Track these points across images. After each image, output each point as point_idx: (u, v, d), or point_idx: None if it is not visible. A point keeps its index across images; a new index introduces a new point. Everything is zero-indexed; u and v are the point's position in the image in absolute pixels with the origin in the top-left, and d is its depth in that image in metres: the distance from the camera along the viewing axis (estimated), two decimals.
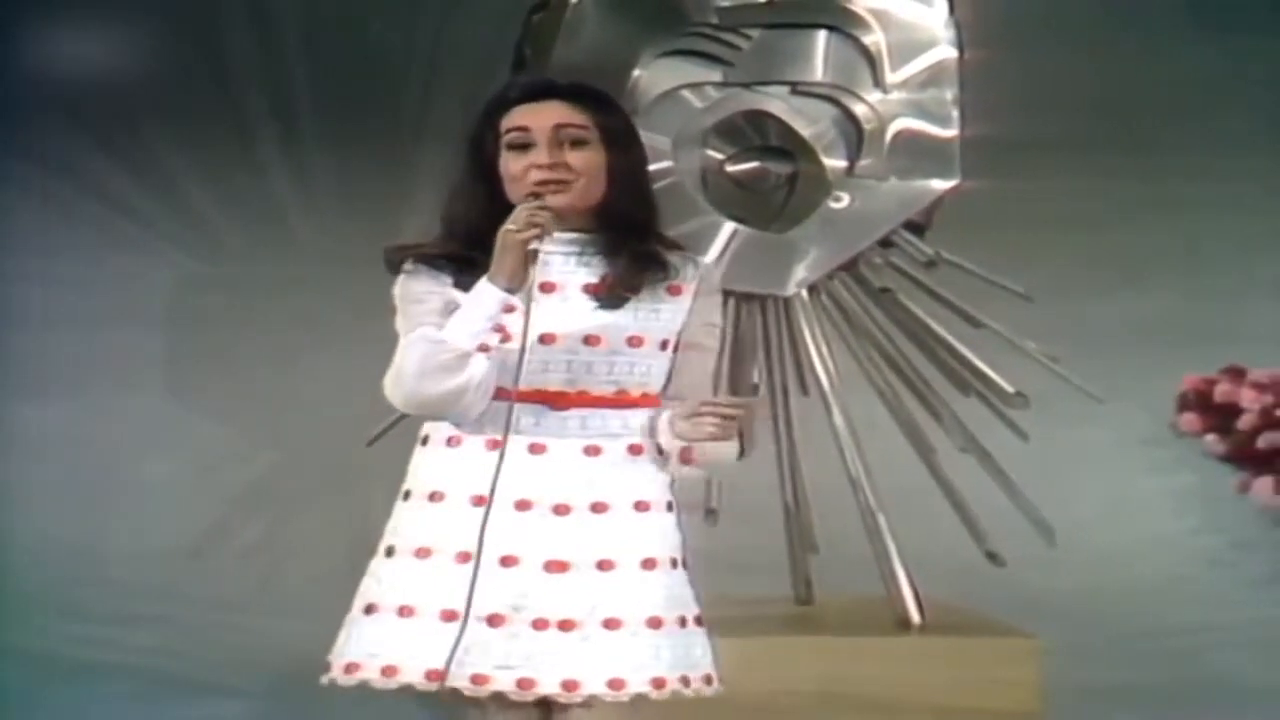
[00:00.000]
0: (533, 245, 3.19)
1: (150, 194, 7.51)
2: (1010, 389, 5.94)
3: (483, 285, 3.22)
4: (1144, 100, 7.35)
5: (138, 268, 7.48)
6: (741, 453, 3.33)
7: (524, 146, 3.30)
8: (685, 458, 3.33)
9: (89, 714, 6.28)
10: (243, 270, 7.48)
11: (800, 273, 5.91)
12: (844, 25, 5.92)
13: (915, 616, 5.86)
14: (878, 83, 5.91)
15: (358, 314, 6.41)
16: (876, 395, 6.03)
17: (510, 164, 3.30)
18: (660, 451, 3.35)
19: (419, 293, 3.31)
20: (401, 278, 3.34)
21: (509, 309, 3.21)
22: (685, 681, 3.29)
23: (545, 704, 3.27)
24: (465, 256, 3.29)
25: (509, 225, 3.19)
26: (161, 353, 7.54)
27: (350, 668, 3.30)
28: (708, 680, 3.33)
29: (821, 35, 5.92)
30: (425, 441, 3.39)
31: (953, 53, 5.93)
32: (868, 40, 5.91)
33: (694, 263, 3.43)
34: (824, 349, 5.94)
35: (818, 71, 5.93)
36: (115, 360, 7.40)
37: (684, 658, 3.31)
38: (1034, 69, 7.02)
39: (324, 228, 7.43)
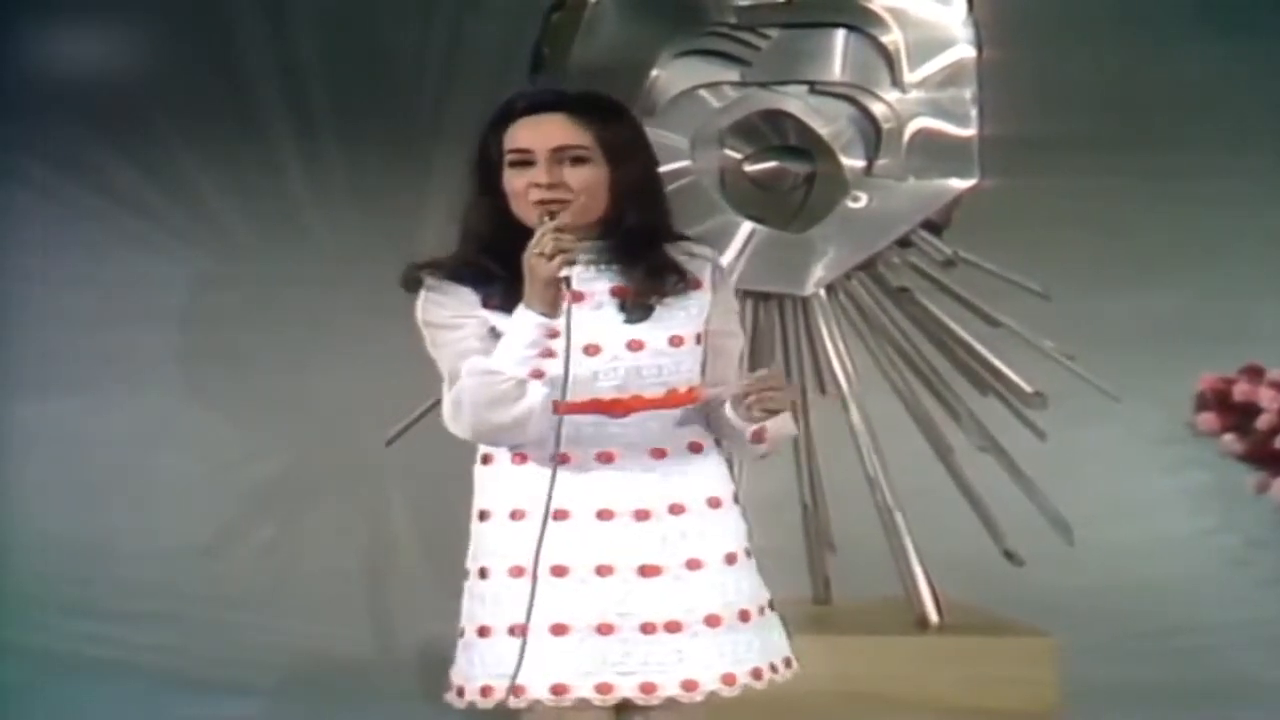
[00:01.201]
0: (564, 273, 3.20)
1: (162, 192, 7.49)
2: (1028, 388, 5.94)
3: (521, 314, 3.23)
4: (1161, 99, 7.33)
5: (149, 266, 7.47)
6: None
7: (525, 164, 3.31)
8: (757, 437, 3.37)
9: (98, 711, 6.29)
10: (255, 268, 7.46)
11: (818, 272, 5.91)
12: (862, 24, 5.92)
13: (933, 616, 5.86)
14: (896, 82, 5.92)
15: (371, 313, 6.43)
16: (894, 394, 6.03)
17: (513, 181, 3.32)
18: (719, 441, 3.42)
19: (449, 318, 3.33)
20: (423, 298, 3.36)
21: (552, 334, 3.23)
22: (774, 669, 3.40)
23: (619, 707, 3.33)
24: (483, 269, 3.31)
25: (534, 250, 3.20)
26: (173, 351, 7.52)
27: (485, 690, 3.33)
28: (788, 663, 3.44)
29: (840, 34, 5.93)
30: (487, 461, 3.41)
31: (971, 52, 5.93)
32: (886, 39, 5.92)
33: (704, 257, 3.45)
34: (842, 348, 5.94)
35: (836, 71, 5.94)
36: (126, 358, 7.39)
37: (772, 645, 3.41)
38: (1051, 68, 7.00)
39: (338, 226, 7.42)
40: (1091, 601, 6.73)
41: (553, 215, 3.25)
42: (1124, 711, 6.00)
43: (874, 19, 5.92)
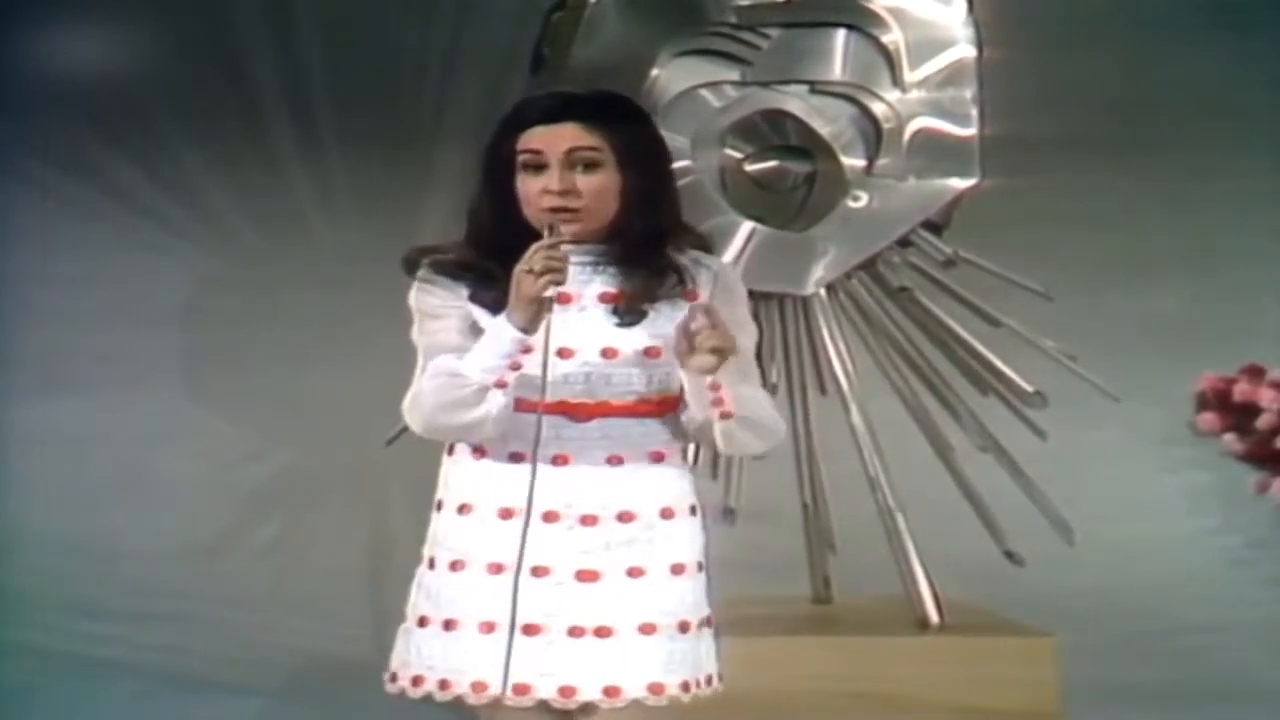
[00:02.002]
0: (548, 293, 3.18)
1: (163, 191, 7.50)
2: (1029, 388, 5.94)
3: (501, 325, 3.21)
4: (1162, 99, 7.34)
5: (150, 266, 7.47)
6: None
7: (538, 168, 3.29)
8: (724, 412, 3.30)
9: (102, 711, 6.29)
10: (257, 268, 7.47)
11: (819, 272, 5.91)
12: (863, 24, 5.92)
13: (934, 616, 5.86)
14: (896, 82, 5.92)
15: (374, 313, 6.41)
16: (895, 394, 6.03)
17: (526, 185, 3.29)
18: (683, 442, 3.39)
19: (436, 307, 3.32)
20: (416, 285, 3.34)
21: (527, 350, 3.21)
22: (699, 684, 3.34)
23: (564, 714, 3.31)
24: (483, 268, 3.30)
25: (523, 266, 3.17)
26: (176, 351, 7.53)
27: (417, 680, 3.34)
28: (709, 680, 3.38)
29: (840, 34, 5.93)
30: (451, 451, 3.41)
31: (971, 51, 5.93)
32: (886, 39, 5.91)
33: (707, 266, 3.41)
34: (842, 348, 5.94)
35: (836, 70, 5.93)
36: (130, 359, 7.39)
37: (703, 659, 3.36)
38: (1052, 68, 7.01)
39: (340, 226, 7.42)
40: (1092, 602, 6.74)
41: (552, 229, 3.22)
42: (1125, 712, 6.01)
43: (874, 19, 5.91)
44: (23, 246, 7.48)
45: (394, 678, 3.38)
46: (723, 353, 3.19)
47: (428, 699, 3.32)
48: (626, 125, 3.35)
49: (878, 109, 5.91)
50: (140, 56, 7.49)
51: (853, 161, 5.92)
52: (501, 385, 3.22)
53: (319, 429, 7.32)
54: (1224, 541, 7.31)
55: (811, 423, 5.99)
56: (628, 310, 3.31)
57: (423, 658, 3.33)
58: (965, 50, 5.93)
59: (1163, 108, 7.36)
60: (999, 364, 5.97)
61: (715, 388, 3.27)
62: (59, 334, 7.40)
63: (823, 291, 5.93)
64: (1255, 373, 6.18)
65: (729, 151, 5.94)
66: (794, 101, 5.94)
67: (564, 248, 3.21)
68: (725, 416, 3.30)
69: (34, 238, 7.47)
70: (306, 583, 7.14)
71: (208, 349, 7.46)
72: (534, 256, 3.17)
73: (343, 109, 7.44)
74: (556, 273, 3.17)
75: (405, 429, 5.02)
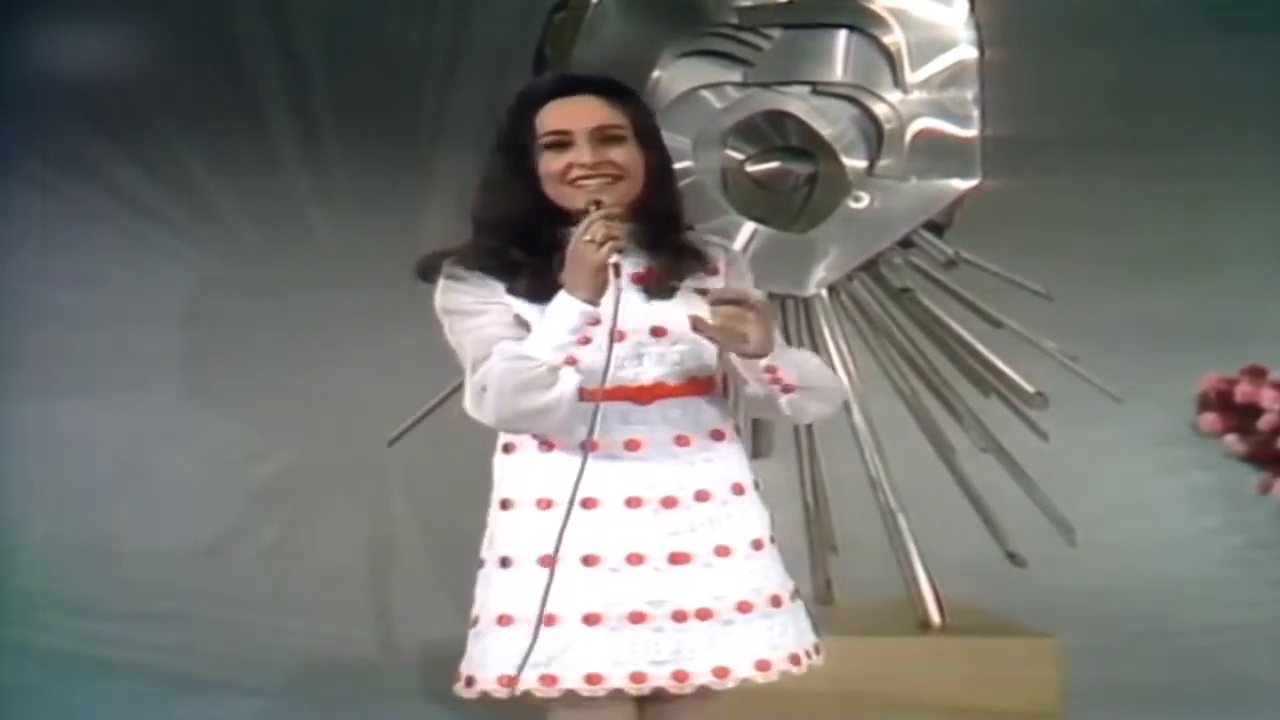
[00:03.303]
0: (614, 259, 3.16)
1: (163, 191, 7.50)
2: (1030, 388, 5.95)
3: (563, 299, 3.20)
4: (1163, 99, 7.34)
5: (151, 265, 7.47)
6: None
7: (563, 145, 3.29)
8: (786, 387, 3.33)
9: (103, 711, 6.28)
10: (257, 268, 7.47)
11: (820, 273, 5.92)
12: (864, 25, 5.92)
13: (935, 616, 5.86)
14: (898, 82, 5.92)
15: (375, 313, 6.45)
16: (896, 395, 6.03)
17: (550, 163, 3.30)
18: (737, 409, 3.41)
19: (472, 304, 3.30)
20: (443, 286, 3.32)
21: (594, 321, 3.20)
22: (808, 654, 3.38)
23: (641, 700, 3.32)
24: (507, 257, 3.29)
25: (583, 237, 3.17)
26: (177, 351, 7.53)
27: (502, 680, 3.27)
28: (817, 650, 3.41)
29: (841, 35, 5.93)
30: (509, 450, 3.38)
31: (973, 52, 5.94)
32: (888, 40, 5.92)
33: (721, 245, 3.47)
34: (844, 349, 5.94)
35: (838, 71, 5.94)
36: (130, 358, 7.39)
37: (803, 630, 3.39)
38: (1053, 68, 7.01)
39: (341, 226, 7.42)
40: (1094, 602, 6.74)
41: (599, 204, 3.22)
42: (1126, 712, 6.00)
43: (876, 20, 5.92)
44: (23, 246, 7.48)
45: (470, 682, 3.31)
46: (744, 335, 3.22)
47: (528, 698, 3.26)
48: (638, 104, 3.40)
49: (879, 110, 5.92)
50: (140, 56, 7.49)
51: (854, 162, 5.93)
52: (573, 363, 3.21)
53: (319, 429, 7.32)
54: (1226, 542, 7.31)
55: (813, 423, 5.99)
56: (659, 288, 3.32)
57: (505, 657, 3.25)
58: (967, 51, 5.94)
59: (1162, 108, 7.36)
60: (1000, 364, 5.98)
61: (770, 370, 3.31)
62: (59, 334, 7.40)
63: (824, 292, 5.94)
64: (1257, 373, 6.18)
65: (730, 152, 5.94)
66: (795, 102, 5.95)
67: (624, 245, 3.20)
68: (788, 390, 3.33)
69: (34, 238, 7.47)
70: (307, 583, 7.14)
71: (208, 349, 7.46)
72: (592, 227, 3.17)
73: (343, 109, 7.44)
74: (617, 239, 3.17)
75: (407, 429, 5.01)
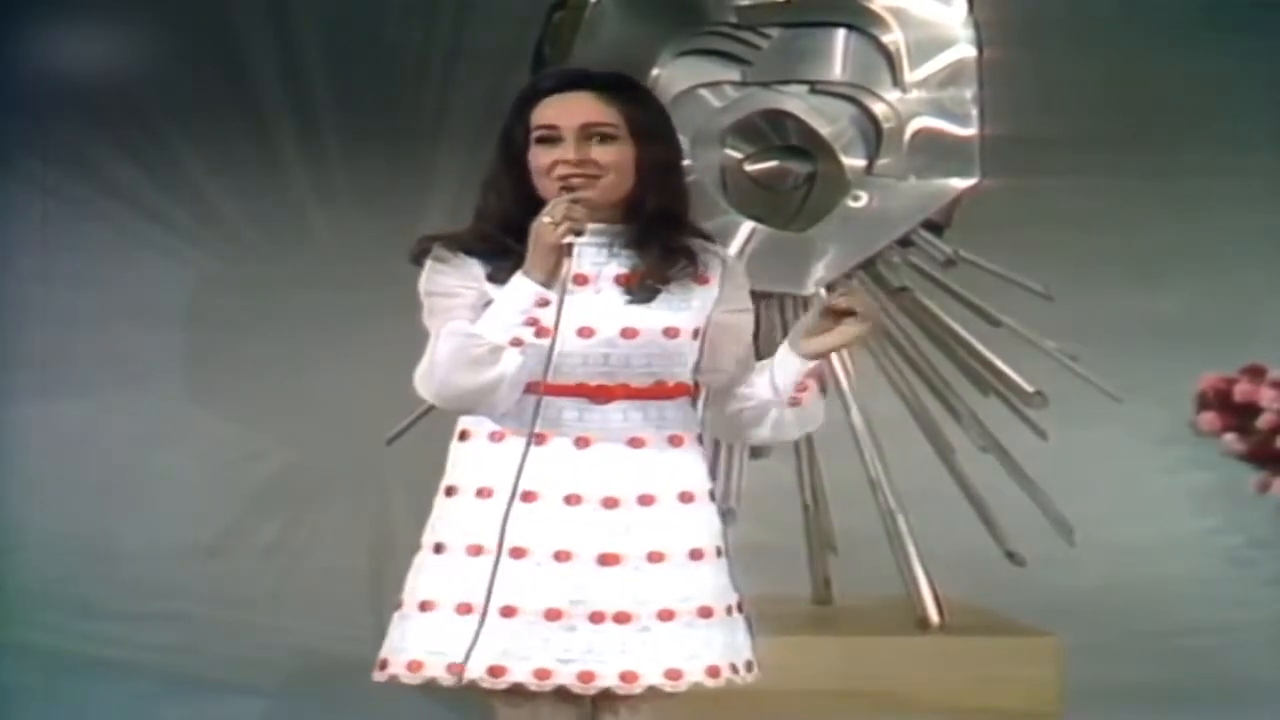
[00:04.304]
0: (567, 239, 3.16)
1: (164, 191, 7.49)
2: (1029, 388, 5.94)
3: (517, 279, 3.19)
4: (1162, 98, 7.34)
5: (151, 265, 7.47)
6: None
7: (552, 141, 3.28)
8: (794, 400, 3.32)
9: (103, 711, 6.28)
10: (257, 268, 7.46)
11: (819, 272, 5.91)
12: (863, 24, 5.92)
13: (934, 616, 5.86)
14: (897, 82, 5.92)
15: (375, 312, 6.45)
16: (896, 394, 6.03)
17: (538, 158, 3.28)
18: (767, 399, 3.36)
19: (450, 286, 3.29)
20: (428, 268, 3.32)
21: (543, 303, 3.18)
22: (734, 669, 3.31)
23: (591, 700, 3.28)
24: (499, 243, 3.28)
25: (544, 218, 3.17)
26: (176, 351, 7.53)
27: (413, 665, 3.29)
28: (749, 666, 3.35)
29: (840, 34, 5.93)
30: (464, 437, 3.36)
31: (972, 51, 5.93)
32: (886, 39, 5.92)
33: (719, 254, 3.42)
34: (843, 348, 5.92)
35: (836, 70, 5.94)
36: (130, 358, 7.39)
37: (732, 645, 3.32)
38: (1052, 68, 7.01)
39: (341, 225, 7.42)
40: (1093, 602, 6.74)
41: (570, 189, 3.22)
42: (1126, 712, 6.00)
43: (875, 19, 5.92)
44: (23, 246, 7.48)
45: (384, 665, 3.32)
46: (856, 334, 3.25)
47: (429, 684, 3.27)
48: (639, 101, 3.36)
49: (878, 109, 5.92)
50: (140, 56, 7.48)
51: (853, 161, 5.93)
52: (518, 344, 3.19)
53: (319, 429, 7.31)
54: (1225, 541, 7.31)
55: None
56: (640, 288, 3.29)
57: (423, 642, 3.27)
58: (965, 50, 5.93)
59: (1162, 107, 7.35)
60: (999, 364, 5.98)
61: (816, 374, 3.30)
62: (59, 334, 7.39)
63: (823, 291, 5.92)
64: (1256, 372, 6.19)
65: (729, 151, 5.94)
66: (794, 101, 5.95)
67: (582, 232, 3.19)
68: (794, 404, 3.33)
69: (34, 238, 7.47)
70: (307, 582, 7.14)
71: (208, 349, 7.46)
72: (555, 207, 3.17)
73: (343, 109, 7.44)
74: (575, 221, 3.16)
75: (406, 428, 5.01)
